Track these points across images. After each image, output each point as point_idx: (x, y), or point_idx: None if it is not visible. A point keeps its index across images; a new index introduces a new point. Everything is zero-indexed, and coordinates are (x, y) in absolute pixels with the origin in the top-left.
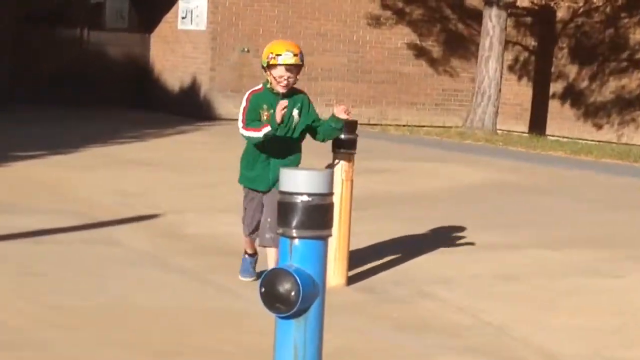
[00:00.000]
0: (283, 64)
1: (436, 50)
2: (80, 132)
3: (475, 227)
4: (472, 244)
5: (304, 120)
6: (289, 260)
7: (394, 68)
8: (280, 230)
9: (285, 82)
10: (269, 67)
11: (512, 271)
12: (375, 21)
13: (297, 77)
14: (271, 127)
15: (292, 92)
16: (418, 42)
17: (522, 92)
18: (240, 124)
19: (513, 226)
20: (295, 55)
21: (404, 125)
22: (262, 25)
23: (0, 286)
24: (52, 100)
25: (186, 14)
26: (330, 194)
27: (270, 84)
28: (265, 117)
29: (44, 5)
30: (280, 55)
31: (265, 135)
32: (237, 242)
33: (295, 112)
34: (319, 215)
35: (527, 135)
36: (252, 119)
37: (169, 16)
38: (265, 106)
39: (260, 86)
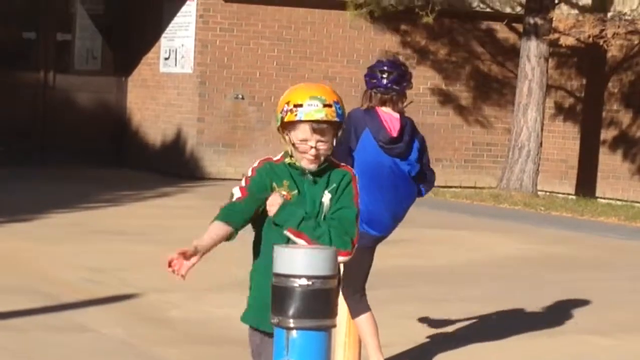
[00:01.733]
0: (307, 121)
1: (465, 96)
2: (42, 196)
3: (511, 309)
4: (506, 329)
5: None
6: (286, 355)
7: (415, 118)
8: (275, 320)
9: (314, 151)
10: (285, 126)
11: None
12: None
13: (334, 143)
14: (289, 214)
15: (327, 168)
16: (444, 86)
17: (567, 146)
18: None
19: (556, 308)
20: (327, 105)
21: None
22: (259, 67)
23: None
24: (8, 157)
25: (169, 54)
26: (334, 276)
27: (292, 154)
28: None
29: (0, 43)
30: (301, 106)
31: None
32: (231, 328)
33: (327, 199)
34: (320, 302)
35: (573, 197)
36: (232, 205)
37: (149, 57)
38: (285, 183)
39: (279, 156)
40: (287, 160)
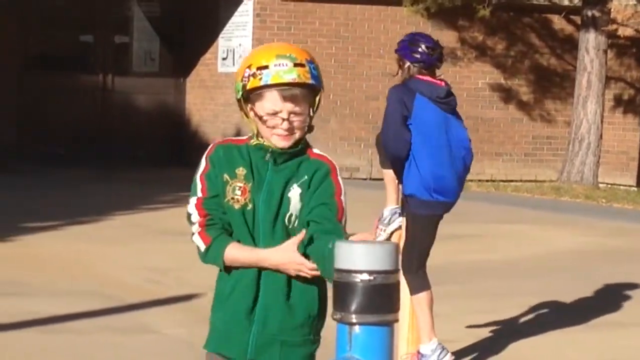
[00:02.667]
0: (276, 85)
1: (525, 90)
2: (103, 198)
3: (575, 303)
4: (571, 322)
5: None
6: (349, 351)
7: (474, 112)
8: (337, 315)
9: (286, 124)
10: (249, 97)
11: (620, 355)
12: (452, 57)
13: (311, 114)
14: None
15: (300, 154)
16: (503, 81)
17: (627, 137)
18: (192, 215)
19: (621, 301)
20: (298, 64)
21: (487, 181)
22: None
23: None
24: (69, 160)
25: (227, 54)
26: (396, 270)
27: (258, 133)
28: (236, 198)
29: (57, 47)
30: (266, 67)
31: (214, 253)
32: None
33: (295, 194)
34: (382, 297)
35: (635, 189)
36: (211, 205)
37: (207, 57)
38: (239, 172)
39: (244, 137)
40: (253, 141)
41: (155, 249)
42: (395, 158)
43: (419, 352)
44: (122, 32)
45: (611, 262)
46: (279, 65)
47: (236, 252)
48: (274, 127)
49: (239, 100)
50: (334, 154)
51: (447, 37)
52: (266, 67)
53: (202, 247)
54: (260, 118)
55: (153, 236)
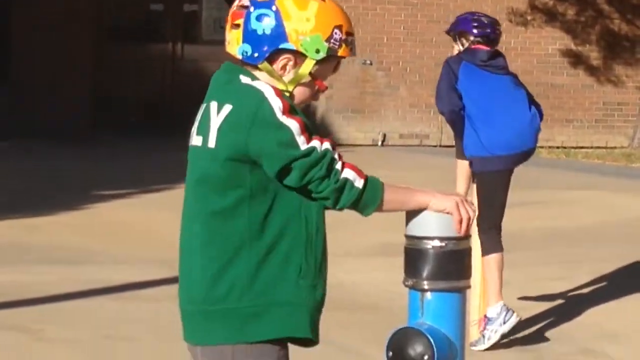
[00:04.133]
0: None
1: (595, 56)
2: (174, 166)
3: None
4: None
5: None
6: (421, 317)
7: (545, 79)
8: (409, 282)
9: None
10: (328, 57)
11: None
12: (522, 22)
13: None
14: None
15: None
16: (573, 46)
17: None
18: (328, 149)
19: None
20: None
21: (558, 147)
22: (386, 32)
23: (76, 355)
24: (142, 128)
25: None
26: (467, 237)
27: (290, 93)
28: None
29: (128, 17)
30: (352, 35)
31: (372, 191)
32: (363, 294)
33: None
34: (454, 264)
35: None
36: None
37: None
38: None
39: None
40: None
41: None
42: (449, 121)
43: (485, 316)
44: (191, 1)
45: None
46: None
47: (394, 190)
48: (316, 92)
49: (300, 52)
50: (403, 121)
51: (517, 3)
52: (352, 34)
53: (359, 183)
54: (319, 86)
55: None
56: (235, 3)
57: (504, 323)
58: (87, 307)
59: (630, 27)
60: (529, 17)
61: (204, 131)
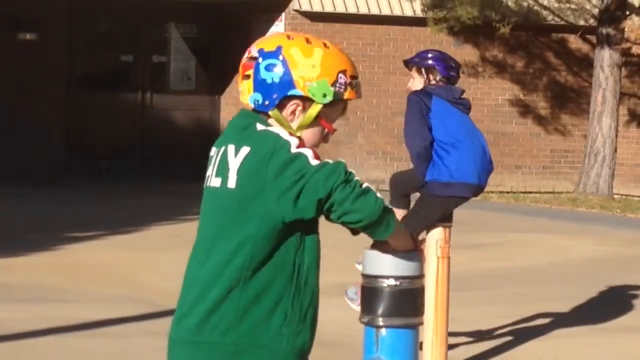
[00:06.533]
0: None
1: (543, 106)
2: (143, 209)
3: (590, 308)
4: (587, 326)
5: None
6: (376, 352)
7: (495, 127)
8: (365, 319)
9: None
10: (334, 101)
11: (634, 357)
12: (473, 74)
13: None
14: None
15: None
16: (522, 97)
17: None
18: (339, 164)
19: (634, 307)
20: None
21: (507, 192)
22: None
23: None
24: (112, 173)
25: None
26: (421, 276)
27: (303, 138)
28: None
29: (100, 67)
30: (356, 78)
31: (390, 220)
32: (327, 332)
33: None
34: (408, 301)
35: None
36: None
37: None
38: None
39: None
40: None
41: None
42: (418, 156)
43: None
44: (160, 52)
45: (626, 270)
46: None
47: (401, 228)
48: (324, 137)
49: (308, 98)
50: (361, 168)
51: (468, 55)
52: (356, 77)
53: (380, 195)
54: (327, 126)
55: (190, 245)
56: (245, 55)
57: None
58: (59, 342)
59: (576, 79)
60: (480, 69)
61: (222, 173)
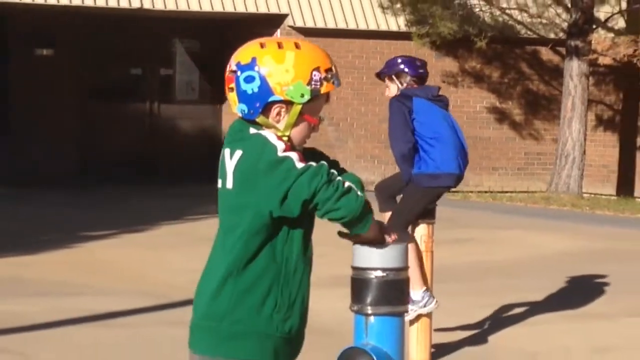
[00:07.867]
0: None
1: (517, 112)
2: (151, 210)
3: (564, 297)
4: (560, 313)
5: None
6: (365, 338)
7: (474, 132)
8: (355, 307)
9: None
10: (314, 98)
11: (605, 343)
12: (453, 84)
13: None
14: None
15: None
16: (498, 104)
17: (607, 153)
18: (321, 167)
19: (604, 295)
20: None
21: (485, 192)
22: (336, 92)
23: None
24: (123, 177)
25: None
26: (406, 268)
27: (289, 138)
28: None
29: (111, 79)
30: (331, 70)
31: (369, 215)
32: (320, 321)
33: None
34: (394, 291)
35: (615, 198)
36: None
37: None
38: None
39: (282, 140)
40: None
41: (197, 253)
42: (402, 157)
43: (410, 299)
44: (167, 66)
45: (595, 262)
46: (334, 66)
47: (376, 223)
48: (311, 130)
49: (288, 100)
50: (351, 170)
51: (449, 66)
52: (331, 69)
53: (361, 193)
54: (311, 120)
55: (196, 242)
56: (227, 68)
57: (425, 306)
58: (71, 333)
59: (548, 88)
60: (459, 79)
61: (223, 175)
